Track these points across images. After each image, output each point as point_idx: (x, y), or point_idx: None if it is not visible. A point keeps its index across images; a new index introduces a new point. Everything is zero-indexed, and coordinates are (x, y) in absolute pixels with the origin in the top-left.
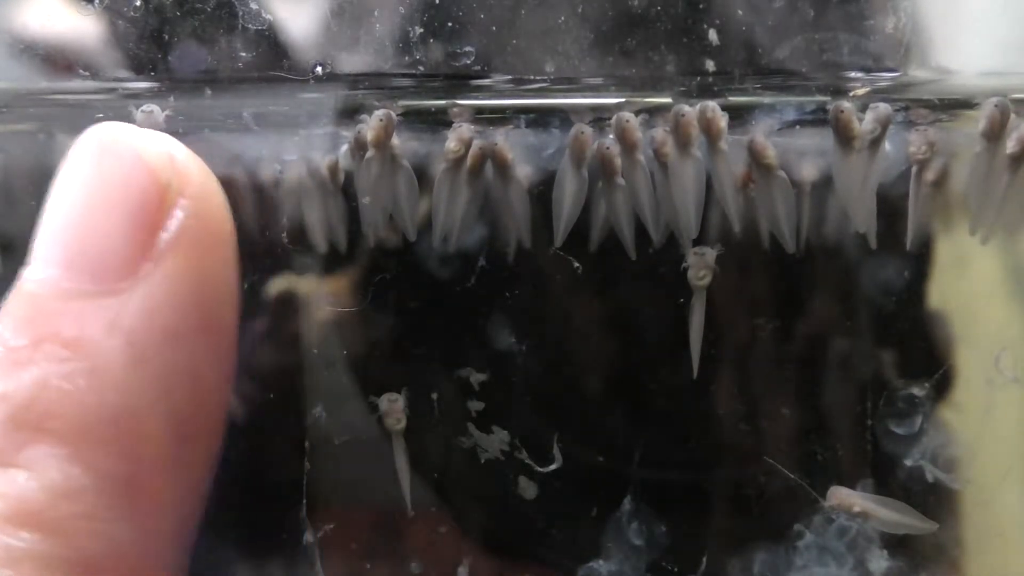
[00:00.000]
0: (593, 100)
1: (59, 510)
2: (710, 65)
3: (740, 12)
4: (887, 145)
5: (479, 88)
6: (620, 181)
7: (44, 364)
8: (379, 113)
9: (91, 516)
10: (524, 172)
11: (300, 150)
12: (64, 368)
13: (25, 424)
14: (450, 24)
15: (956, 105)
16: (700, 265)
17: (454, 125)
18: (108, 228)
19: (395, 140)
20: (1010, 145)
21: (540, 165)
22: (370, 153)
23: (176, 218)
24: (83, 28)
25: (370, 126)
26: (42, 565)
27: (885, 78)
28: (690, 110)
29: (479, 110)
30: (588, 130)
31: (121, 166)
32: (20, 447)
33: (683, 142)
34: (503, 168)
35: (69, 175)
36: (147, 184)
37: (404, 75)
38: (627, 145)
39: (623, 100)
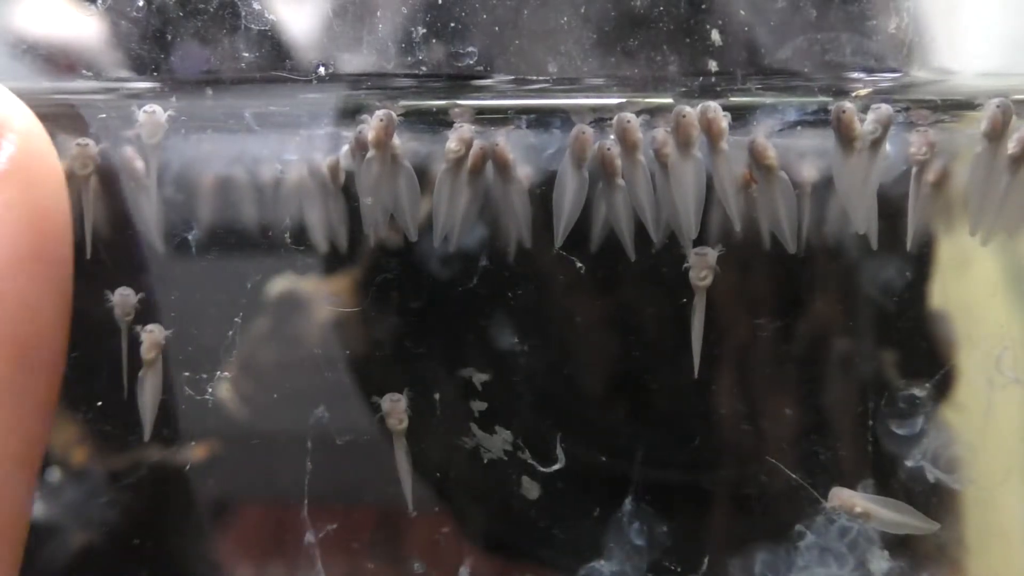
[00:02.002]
0: (594, 100)
1: None
2: (712, 65)
3: (742, 12)
4: (888, 146)
5: (481, 88)
6: (620, 182)
7: None
8: (380, 113)
9: None
10: (525, 172)
11: (302, 150)
12: None
13: None
14: (452, 24)
15: (958, 106)
16: (701, 265)
17: (455, 125)
18: None
19: (396, 140)
20: (1011, 146)
21: (541, 165)
22: (371, 153)
23: (4, 150)
24: (85, 28)
25: (371, 126)
26: None
27: (887, 78)
28: (691, 111)
29: (480, 110)
30: (589, 130)
31: None
32: None
33: (684, 142)
34: (504, 168)
35: None
36: None
37: (406, 75)
38: (628, 145)
39: (624, 100)
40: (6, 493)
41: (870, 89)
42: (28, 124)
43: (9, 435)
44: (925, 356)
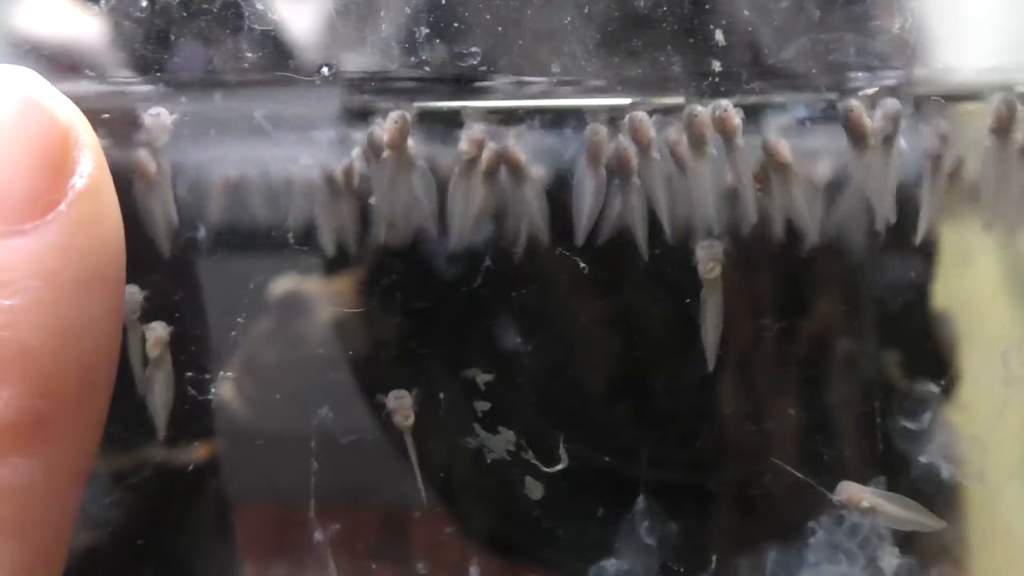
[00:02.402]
0: (608, 101)
1: None
2: (716, 66)
3: (746, 13)
4: (902, 141)
5: (486, 89)
6: (636, 181)
7: None
8: (394, 115)
9: (4, 450)
10: (537, 172)
11: (307, 151)
12: None
13: None
14: (456, 24)
15: (963, 99)
16: (708, 257)
17: (466, 126)
18: (16, 170)
19: (410, 141)
20: (1020, 139)
21: (553, 165)
22: (386, 154)
23: (84, 164)
24: (89, 29)
25: (385, 128)
26: None
27: (891, 76)
28: (703, 110)
29: (490, 110)
30: (603, 130)
31: (20, 106)
32: None
33: (697, 142)
34: (516, 169)
35: None
36: (49, 126)
37: (410, 76)
38: (641, 143)
39: (637, 100)
40: (64, 508)
41: (876, 87)
42: (96, 141)
43: (72, 451)
44: (931, 354)
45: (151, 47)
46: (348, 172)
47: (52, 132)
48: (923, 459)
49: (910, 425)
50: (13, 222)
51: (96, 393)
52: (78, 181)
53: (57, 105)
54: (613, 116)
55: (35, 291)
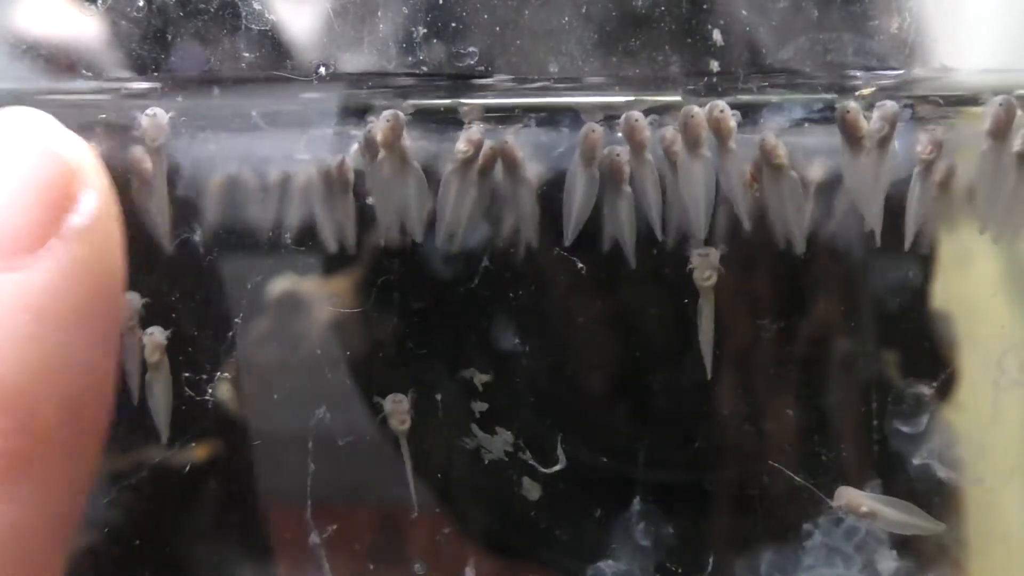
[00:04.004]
0: (604, 99)
1: None
2: (714, 65)
3: (744, 12)
4: (896, 143)
5: (483, 87)
6: (627, 189)
7: None
8: (387, 114)
9: None
10: (534, 171)
11: (305, 150)
12: None
13: None
14: (454, 24)
15: (960, 102)
16: (705, 266)
17: (465, 126)
18: (13, 204)
19: (405, 140)
20: (1017, 143)
21: (550, 164)
22: (381, 154)
23: (85, 204)
24: (86, 28)
25: (379, 127)
26: None
27: (889, 76)
28: (699, 110)
29: (488, 109)
30: (599, 128)
31: (28, 147)
32: None
33: (693, 142)
34: (513, 167)
35: None
36: (54, 165)
37: (408, 75)
38: (635, 144)
39: (633, 99)
40: (45, 553)
41: (874, 88)
42: (104, 183)
43: (57, 494)
44: (929, 356)
45: (148, 47)
46: (342, 169)
47: (56, 171)
48: (921, 460)
49: (908, 427)
50: (7, 258)
51: (85, 435)
52: (77, 220)
53: (64, 146)
54: (609, 115)
55: (20, 327)
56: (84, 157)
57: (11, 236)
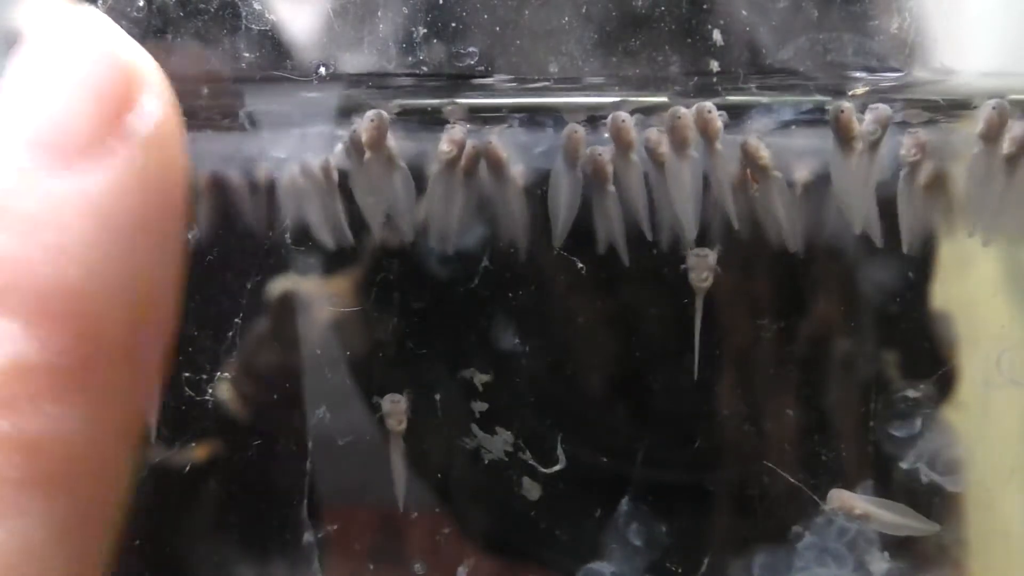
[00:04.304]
0: (588, 99)
1: (6, 386)
2: (714, 65)
3: (744, 13)
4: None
5: (482, 87)
6: (611, 188)
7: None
8: (370, 114)
9: (39, 395)
10: (519, 171)
11: (304, 150)
12: (21, 241)
13: None
14: (454, 24)
15: (957, 105)
16: (701, 267)
17: (447, 126)
18: (74, 106)
19: (391, 141)
20: (1005, 146)
21: (534, 164)
22: (367, 155)
23: (146, 107)
24: None
25: (363, 128)
26: None
27: (888, 78)
28: (686, 112)
29: (475, 109)
30: (581, 129)
31: (87, 47)
32: None
33: (679, 144)
34: (497, 167)
35: (29, 52)
36: (114, 67)
37: (407, 75)
38: (622, 145)
39: (619, 99)
40: (110, 466)
41: (868, 88)
42: (164, 87)
43: (119, 404)
44: (926, 357)
45: (148, 47)
46: (326, 168)
47: (115, 72)
48: (920, 461)
49: (906, 427)
50: (66, 159)
51: (149, 346)
52: (139, 125)
53: (126, 49)
54: (594, 115)
55: (83, 230)
56: (146, 63)
57: (71, 137)
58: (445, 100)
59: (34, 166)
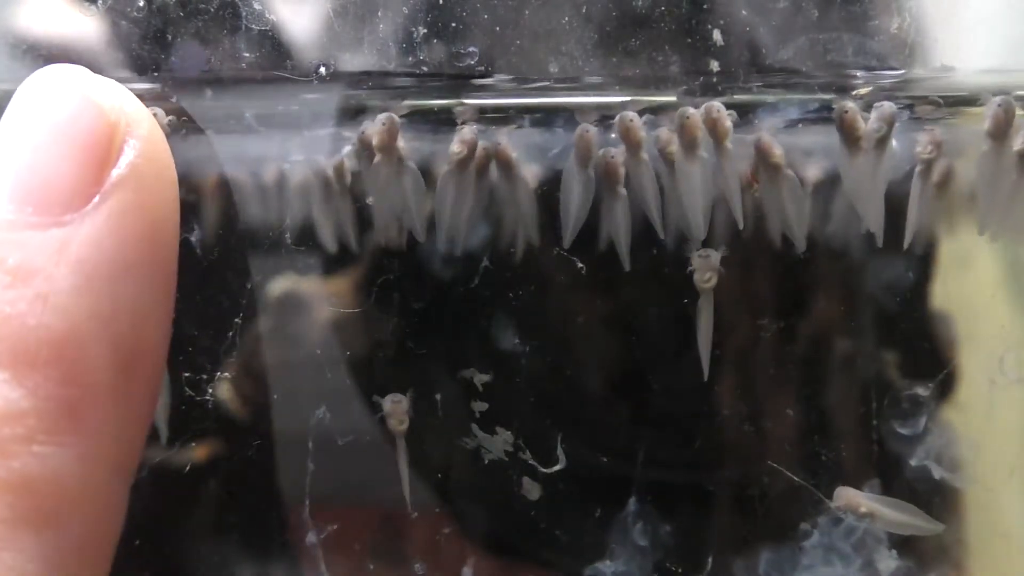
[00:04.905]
0: (598, 99)
1: None
2: (714, 65)
3: (744, 12)
4: (894, 143)
5: (483, 87)
6: (622, 191)
7: None
8: (382, 117)
9: (30, 439)
10: (530, 171)
11: (304, 150)
12: (6, 294)
13: None
14: (454, 24)
15: (960, 103)
16: (705, 268)
17: (458, 127)
18: (56, 161)
19: (400, 142)
20: (1018, 143)
21: (545, 164)
22: (377, 158)
23: (126, 155)
24: (86, 29)
25: (374, 131)
26: None
27: (888, 76)
28: (695, 112)
29: (483, 109)
30: (592, 129)
31: (70, 103)
32: None
33: (689, 143)
34: (507, 168)
35: (15, 112)
36: (96, 120)
37: (407, 75)
38: (631, 145)
39: (628, 99)
40: (102, 500)
41: (871, 87)
42: (150, 131)
43: (110, 442)
44: (928, 356)
45: (148, 47)
46: (339, 170)
47: (99, 128)
48: (920, 460)
49: (907, 426)
50: (50, 212)
51: (137, 383)
52: (117, 172)
53: (107, 99)
54: (605, 115)
55: (66, 280)
56: (132, 107)
57: (61, 196)
58: (452, 101)
59: (18, 218)
